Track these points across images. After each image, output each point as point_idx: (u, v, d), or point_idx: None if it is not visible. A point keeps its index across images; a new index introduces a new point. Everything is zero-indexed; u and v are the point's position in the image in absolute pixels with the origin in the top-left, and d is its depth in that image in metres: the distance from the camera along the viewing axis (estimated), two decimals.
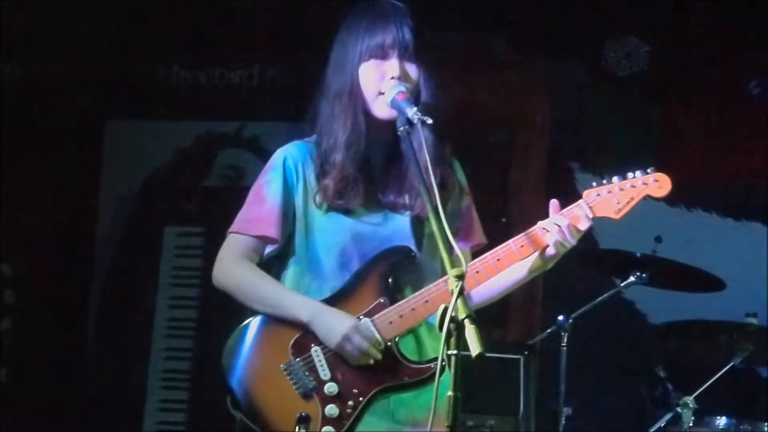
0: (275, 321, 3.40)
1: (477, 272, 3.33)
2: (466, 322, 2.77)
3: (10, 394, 7.00)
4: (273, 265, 3.50)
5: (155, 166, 7.19)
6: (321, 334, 3.33)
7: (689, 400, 5.06)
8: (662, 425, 5.17)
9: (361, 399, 3.31)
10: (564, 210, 3.34)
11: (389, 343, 3.32)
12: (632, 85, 6.61)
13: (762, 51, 6.33)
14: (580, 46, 6.71)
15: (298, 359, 3.35)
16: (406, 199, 3.41)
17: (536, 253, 3.37)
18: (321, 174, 3.44)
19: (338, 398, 3.31)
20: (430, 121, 3.23)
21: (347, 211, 3.42)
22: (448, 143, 3.47)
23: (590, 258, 5.51)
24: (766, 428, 5.10)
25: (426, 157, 3.18)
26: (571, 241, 3.32)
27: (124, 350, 7.07)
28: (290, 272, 3.48)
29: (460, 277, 2.83)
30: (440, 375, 3.03)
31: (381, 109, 3.38)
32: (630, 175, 3.34)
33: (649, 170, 3.33)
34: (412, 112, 3.24)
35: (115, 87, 7.19)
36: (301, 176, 3.47)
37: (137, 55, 7.20)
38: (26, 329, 7.16)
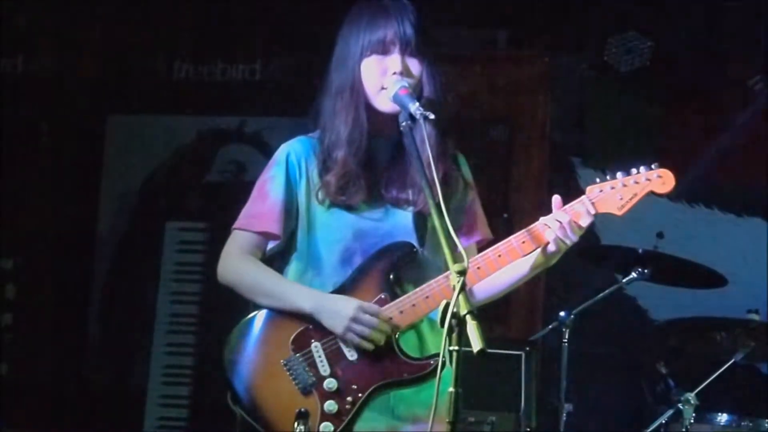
0: (277, 316, 3.40)
1: (478, 268, 3.32)
2: (468, 318, 2.78)
3: (11, 390, 7.00)
4: (276, 260, 3.50)
5: (157, 162, 7.19)
6: (327, 321, 3.33)
7: (690, 396, 5.05)
8: (663, 421, 5.16)
9: (360, 395, 3.31)
10: (566, 206, 3.33)
11: (389, 339, 3.32)
12: (634, 81, 6.60)
13: (763, 49, 6.32)
14: (582, 42, 6.70)
15: (298, 355, 3.35)
16: (410, 194, 3.41)
17: (538, 250, 3.35)
18: (323, 170, 3.44)
19: (337, 394, 3.31)
20: (432, 116, 3.22)
21: (349, 207, 3.42)
22: (451, 138, 3.46)
23: (592, 254, 5.51)
24: (767, 425, 5.10)
25: (428, 153, 3.18)
26: (573, 238, 3.31)
27: (125, 346, 7.08)
28: (293, 268, 3.48)
29: (462, 273, 2.83)
30: (440, 371, 3.05)
31: (384, 104, 3.37)
32: (633, 171, 3.32)
33: (653, 166, 3.31)
34: (414, 107, 3.24)
35: (116, 82, 7.19)
36: (304, 172, 3.47)
37: (139, 50, 7.20)
38: (27, 324, 7.16)
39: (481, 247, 3.46)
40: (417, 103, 3.24)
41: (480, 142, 6.48)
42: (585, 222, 3.31)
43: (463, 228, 3.49)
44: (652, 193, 3.32)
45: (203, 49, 7.20)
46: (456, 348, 2.79)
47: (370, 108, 3.41)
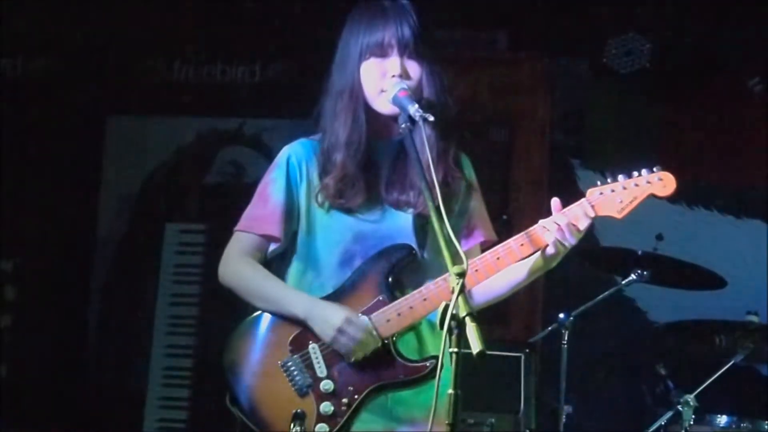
0: (275, 318, 3.41)
1: (476, 270, 3.31)
2: (467, 319, 2.77)
3: (11, 391, 6.99)
4: (278, 262, 3.51)
5: (156, 163, 7.20)
6: (316, 328, 3.34)
7: (690, 398, 5.05)
8: (663, 423, 5.17)
9: (356, 396, 3.31)
10: (565, 209, 3.32)
11: (386, 341, 3.32)
12: (633, 82, 6.60)
13: (763, 49, 6.33)
14: (582, 43, 6.70)
15: (295, 356, 3.36)
16: (410, 196, 3.40)
17: (537, 253, 3.34)
18: (323, 172, 3.44)
19: (333, 395, 3.32)
20: (431, 118, 3.22)
21: (349, 210, 3.42)
22: (452, 140, 3.46)
23: (591, 256, 5.51)
24: (766, 426, 5.10)
25: (428, 155, 3.18)
26: (571, 241, 3.29)
27: (124, 347, 7.08)
28: (293, 269, 3.48)
29: (461, 275, 2.83)
30: (439, 373, 3.05)
31: (383, 106, 3.37)
32: (635, 173, 3.30)
33: (654, 169, 3.29)
34: (413, 109, 3.23)
35: (116, 83, 7.19)
36: (305, 175, 3.48)
37: (138, 51, 7.20)
38: (27, 326, 7.16)
39: (485, 248, 3.45)
40: (416, 105, 3.23)
41: (480, 143, 6.48)
42: (583, 225, 3.30)
43: (465, 229, 3.49)
44: (653, 196, 3.31)
45: (203, 50, 7.20)
46: (455, 350, 2.79)
47: (370, 110, 3.41)
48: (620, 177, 3.31)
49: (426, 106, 3.30)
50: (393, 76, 3.35)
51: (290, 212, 3.47)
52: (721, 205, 6.41)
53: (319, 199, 3.43)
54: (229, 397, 3.39)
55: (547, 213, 3.33)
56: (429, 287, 3.32)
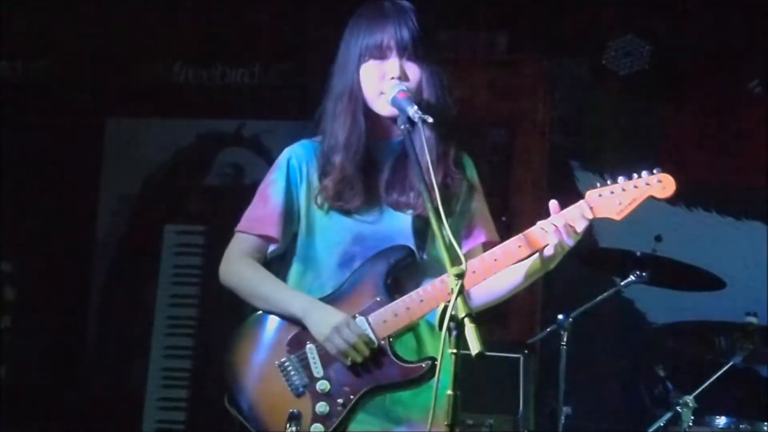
0: (274, 319, 3.42)
1: (474, 272, 3.30)
2: (466, 320, 2.78)
3: (10, 392, 7.00)
4: (279, 263, 3.52)
5: (155, 165, 7.20)
6: (313, 329, 3.34)
7: (689, 399, 5.06)
8: (662, 424, 5.16)
9: (351, 397, 3.31)
10: (563, 210, 3.31)
11: (383, 342, 3.32)
12: (633, 84, 6.60)
13: (763, 51, 6.33)
14: (581, 45, 6.71)
15: (292, 356, 3.37)
16: (410, 198, 3.40)
17: (535, 255, 3.34)
18: (323, 174, 3.45)
19: (329, 395, 3.32)
20: (430, 119, 3.23)
21: (348, 211, 3.42)
22: (453, 141, 3.45)
23: (590, 257, 5.51)
24: (765, 428, 5.10)
25: (427, 156, 3.18)
26: (569, 242, 3.28)
27: (124, 348, 7.08)
28: (293, 271, 3.49)
29: (460, 276, 2.83)
30: (434, 375, 3.07)
31: (383, 108, 3.38)
32: (635, 175, 3.29)
33: (655, 170, 3.28)
34: (412, 110, 3.24)
35: (115, 85, 7.19)
36: (305, 176, 3.49)
37: (138, 53, 7.20)
38: (26, 327, 7.16)
39: (488, 249, 3.43)
40: (415, 107, 3.24)
41: (479, 145, 6.48)
42: (581, 227, 3.28)
43: (466, 230, 3.49)
44: (652, 197, 3.30)
45: (203, 52, 7.20)
46: (455, 351, 2.79)
47: (370, 112, 3.41)
48: (620, 179, 3.30)
49: (425, 107, 3.30)
50: (392, 78, 3.35)
51: (289, 213, 3.48)
52: (720, 207, 6.41)
53: (319, 200, 3.44)
54: (228, 398, 3.40)
55: (547, 214, 3.33)
56: (426, 288, 3.32)
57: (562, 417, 5.19)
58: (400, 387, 3.33)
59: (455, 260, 2.92)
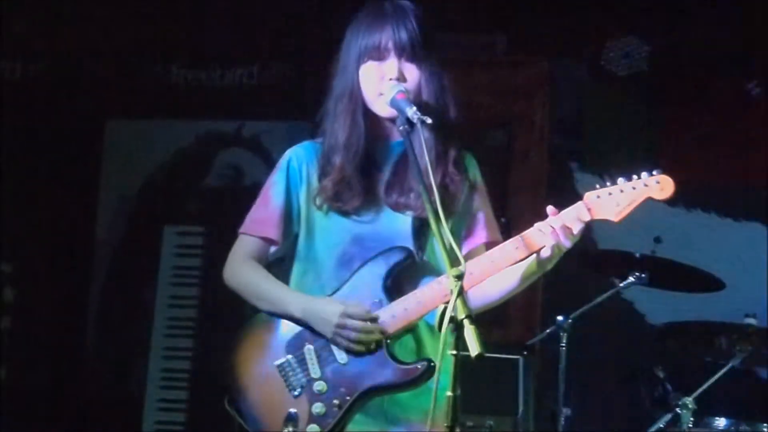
0: (274, 320, 3.43)
1: (471, 273, 3.27)
2: (466, 322, 2.78)
3: (10, 393, 7.00)
4: (282, 264, 3.53)
5: (155, 166, 7.20)
6: (316, 327, 3.35)
7: (688, 400, 5.05)
8: (661, 426, 5.16)
9: (347, 398, 3.31)
10: (561, 212, 3.29)
11: (382, 344, 3.31)
12: (632, 85, 6.61)
13: (762, 52, 6.33)
14: (580, 46, 6.71)
15: (291, 357, 3.37)
16: (410, 199, 3.40)
17: (532, 257, 3.32)
18: (322, 175, 3.46)
19: (325, 396, 3.33)
20: (429, 120, 3.23)
21: (347, 212, 3.43)
22: (454, 141, 3.45)
23: (589, 258, 5.51)
24: (765, 429, 5.10)
25: (426, 157, 3.18)
26: (566, 244, 3.26)
27: (123, 349, 7.08)
28: (294, 272, 3.51)
29: (459, 277, 2.83)
30: (431, 376, 3.12)
31: (382, 109, 3.38)
32: (634, 176, 3.27)
33: (654, 172, 3.26)
34: (411, 111, 3.24)
35: (114, 86, 7.19)
36: (305, 177, 3.49)
37: (137, 54, 7.20)
38: (26, 328, 7.16)
39: (490, 249, 3.43)
40: (414, 108, 3.24)
41: (478, 146, 6.48)
42: (577, 228, 3.27)
43: (467, 230, 3.49)
44: (651, 199, 3.28)
45: (201, 53, 7.20)
46: (454, 352, 2.79)
47: (370, 113, 3.42)
48: (620, 180, 3.28)
49: (424, 108, 3.30)
50: (390, 79, 3.35)
51: (289, 215, 3.49)
52: (719, 208, 6.41)
53: (318, 201, 3.45)
54: (228, 399, 3.41)
55: (546, 216, 3.33)
56: (423, 290, 3.33)
57: (562, 418, 5.19)
58: (396, 388, 3.32)
59: (454, 261, 2.92)
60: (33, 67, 7.33)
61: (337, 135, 3.43)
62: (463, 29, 6.72)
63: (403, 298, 3.33)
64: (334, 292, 3.39)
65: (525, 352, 5.46)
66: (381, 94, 3.36)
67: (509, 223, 6.06)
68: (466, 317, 2.79)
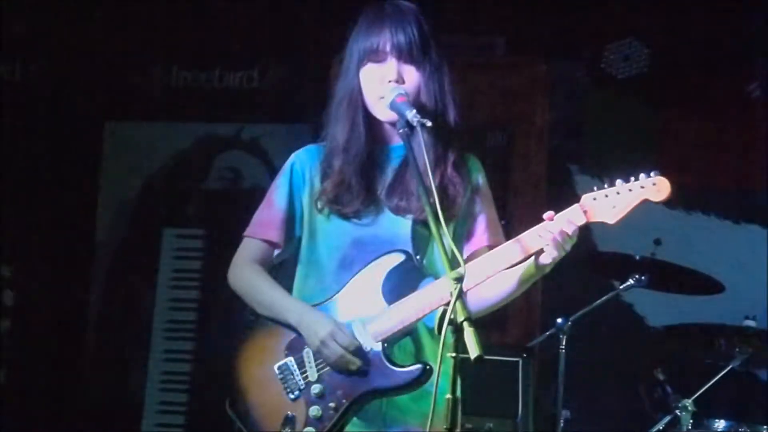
0: (275, 323, 3.43)
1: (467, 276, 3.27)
2: (465, 324, 2.78)
3: (10, 396, 6.99)
4: (287, 267, 3.53)
5: (154, 168, 7.20)
6: (306, 337, 3.36)
7: (688, 402, 5.06)
8: (661, 428, 5.16)
9: (344, 401, 3.32)
10: (558, 214, 3.26)
11: (377, 347, 3.32)
12: (631, 87, 6.60)
13: (761, 54, 6.33)
14: (580, 48, 6.71)
15: (290, 360, 3.38)
16: (411, 202, 3.39)
17: (529, 261, 3.30)
18: (324, 178, 3.46)
19: (322, 399, 3.33)
20: (429, 123, 3.22)
21: (347, 215, 3.42)
22: (455, 144, 3.44)
23: (589, 260, 5.51)
24: (764, 431, 5.10)
25: (425, 160, 3.17)
26: (566, 247, 3.25)
27: (123, 352, 7.07)
28: (297, 275, 3.51)
29: (459, 280, 2.83)
30: (427, 380, 3.14)
31: (382, 114, 3.38)
32: (632, 178, 3.25)
33: (652, 173, 3.23)
34: (411, 114, 3.23)
35: (114, 89, 7.19)
36: (308, 181, 3.50)
37: (137, 57, 7.20)
38: (25, 331, 7.16)
39: None
40: (414, 111, 3.23)
41: (478, 148, 6.47)
42: (570, 229, 3.24)
43: (469, 234, 3.47)
44: (647, 201, 3.25)
45: (201, 56, 7.20)
46: (454, 354, 2.79)
47: (371, 116, 3.42)
48: (617, 182, 3.26)
49: (424, 110, 3.30)
50: (389, 81, 3.35)
51: (292, 218, 3.50)
52: (719, 210, 6.41)
53: (319, 205, 3.45)
54: (229, 401, 3.42)
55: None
56: (419, 293, 3.32)
57: (561, 420, 5.19)
58: (393, 392, 3.32)
59: (454, 264, 2.92)
60: (32, 68, 7.33)
61: (338, 138, 3.43)
62: (462, 31, 6.72)
63: (399, 301, 3.32)
64: (333, 296, 3.39)
65: (524, 355, 5.45)
66: (381, 98, 3.35)
67: (508, 225, 6.07)
68: (466, 320, 2.79)
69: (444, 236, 3.02)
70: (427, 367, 3.25)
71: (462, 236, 3.45)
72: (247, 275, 3.51)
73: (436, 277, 3.35)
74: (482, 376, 4.89)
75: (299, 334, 3.37)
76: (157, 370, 6.96)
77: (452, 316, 2.80)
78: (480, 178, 3.53)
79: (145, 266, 7.09)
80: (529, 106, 6.69)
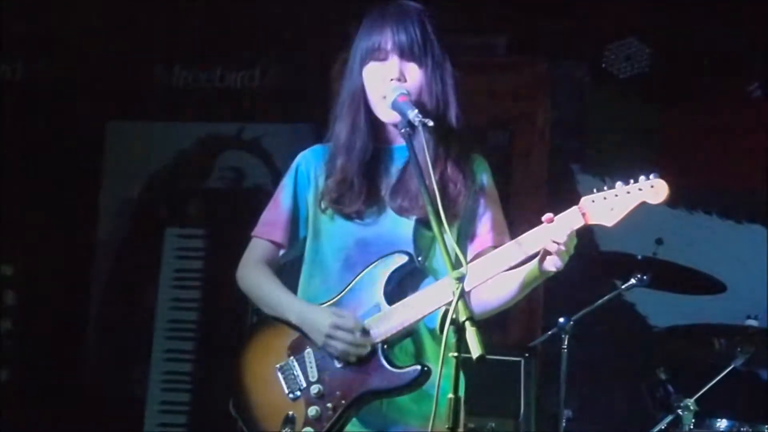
0: (278, 323, 3.44)
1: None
2: (467, 324, 2.77)
3: (11, 395, 7.00)
4: (294, 267, 3.54)
5: (156, 168, 7.20)
6: (310, 334, 3.36)
7: (690, 402, 5.06)
8: (663, 427, 5.16)
9: (343, 402, 3.31)
10: (556, 217, 3.23)
11: (377, 348, 3.31)
12: (633, 87, 6.60)
13: (763, 54, 6.33)
14: (581, 48, 6.71)
15: (292, 360, 3.38)
16: (414, 202, 3.38)
17: (532, 265, 3.28)
18: (327, 177, 3.46)
19: (321, 399, 3.33)
20: (431, 123, 3.21)
21: (350, 216, 3.42)
22: (456, 143, 3.43)
23: (591, 260, 5.50)
24: (766, 430, 5.09)
25: (427, 160, 3.17)
26: (567, 255, 3.23)
27: (124, 352, 7.07)
28: (302, 275, 3.52)
29: (461, 279, 2.83)
30: (425, 381, 3.14)
31: (385, 114, 3.37)
32: (631, 181, 3.22)
33: (651, 176, 3.20)
34: (413, 114, 3.23)
35: (115, 88, 7.19)
36: (313, 181, 3.50)
37: (138, 56, 7.20)
38: (27, 330, 7.16)
39: None
40: (416, 110, 3.22)
41: (479, 148, 6.47)
42: (566, 234, 3.20)
43: (474, 234, 3.46)
44: (645, 203, 3.21)
45: (202, 55, 7.20)
46: (455, 354, 2.79)
47: (374, 117, 3.42)
48: (617, 184, 3.23)
49: (426, 109, 3.30)
50: (391, 79, 3.35)
51: (296, 219, 3.51)
52: (721, 210, 6.41)
53: (322, 205, 3.45)
54: (233, 402, 3.43)
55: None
56: (419, 294, 3.31)
57: (563, 420, 5.19)
58: (391, 393, 3.31)
59: (456, 264, 2.92)
60: (34, 68, 7.33)
61: (340, 136, 3.44)
62: (463, 30, 6.72)
63: (399, 302, 3.32)
64: (335, 297, 3.39)
65: (526, 354, 5.45)
66: (384, 97, 3.34)
67: (510, 225, 6.07)
68: (468, 319, 2.78)
69: (445, 236, 3.01)
70: (425, 368, 3.25)
71: (467, 237, 3.44)
72: (253, 275, 3.52)
73: (439, 277, 3.34)
74: (484, 376, 4.88)
75: (304, 334, 3.37)
76: (158, 369, 6.97)
77: (454, 316, 2.79)
78: (486, 179, 3.53)
79: (147, 266, 7.09)
80: (531, 105, 6.69)
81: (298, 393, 3.35)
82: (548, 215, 3.24)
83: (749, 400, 5.79)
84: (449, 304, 2.88)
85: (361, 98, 3.41)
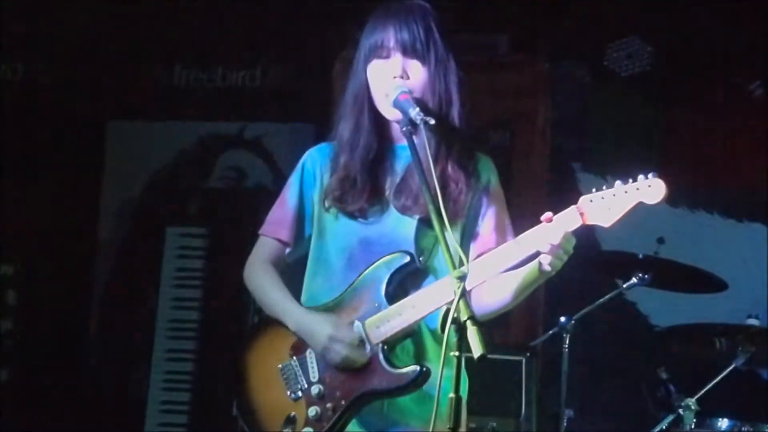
0: (280, 324, 3.44)
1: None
2: (468, 323, 2.77)
3: (11, 395, 7.00)
4: (301, 265, 3.54)
5: (157, 167, 7.20)
6: (308, 342, 3.37)
7: (691, 401, 5.05)
8: (664, 427, 5.16)
9: (342, 402, 3.31)
10: (555, 216, 3.21)
11: (376, 348, 3.31)
12: (634, 86, 6.60)
13: (764, 52, 6.33)
14: (582, 47, 6.70)
15: (294, 360, 3.38)
16: (417, 201, 3.37)
17: (532, 266, 3.27)
18: (332, 175, 3.45)
19: (321, 400, 3.33)
20: (432, 121, 3.20)
21: (352, 214, 3.41)
22: (458, 142, 3.42)
23: (592, 259, 5.49)
24: (767, 430, 5.09)
25: (429, 158, 3.16)
26: (569, 251, 3.23)
27: (125, 351, 7.07)
28: (307, 273, 3.52)
29: (462, 279, 2.82)
30: (425, 381, 3.14)
31: (389, 112, 3.36)
32: (630, 180, 3.19)
33: (650, 175, 3.17)
34: (414, 112, 3.22)
35: (116, 88, 7.19)
36: (318, 179, 3.50)
37: (138, 56, 7.20)
38: (28, 330, 7.16)
39: None
40: (417, 109, 3.22)
41: (480, 147, 6.47)
42: (561, 235, 3.19)
43: (477, 234, 3.45)
44: (643, 203, 3.18)
45: (203, 55, 7.20)
46: (457, 353, 2.79)
47: (378, 115, 3.41)
48: (616, 183, 3.20)
49: (428, 107, 3.29)
50: (394, 77, 3.34)
51: (301, 217, 3.51)
52: (722, 209, 6.40)
53: (326, 203, 3.45)
54: (237, 403, 3.44)
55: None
56: (419, 294, 3.30)
57: (565, 419, 5.19)
58: (391, 393, 3.31)
59: (457, 263, 2.92)
60: (34, 68, 7.33)
61: (344, 134, 3.44)
62: (465, 29, 6.71)
63: (399, 303, 3.31)
64: (337, 297, 3.39)
65: (527, 354, 5.45)
66: (387, 95, 3.33)
67: (511, 224, 6.07)
68: (469, 318, 2.78)
69: (447, 235, 3.00)
70: (424, 368, 3.24)
71: (470, 236, 3.43)
72: (258, 275, 3.53)
73: (441, 277, 3.32)
74: (485, 375, 4.89)
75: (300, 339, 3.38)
76: (159, 369, 6.97)
77: (455, 315, 2.79)
78: (491, 179, 3.50)
79: (148, 265, 7.09)
80: (532, 104, 6.69)
81: (300, 393, 3.35)
82: (547, 214, 3.22)
83: (750, 399, 5.79)
84: (450, 303, 2.88)
85: (365, 96, 3.41)
